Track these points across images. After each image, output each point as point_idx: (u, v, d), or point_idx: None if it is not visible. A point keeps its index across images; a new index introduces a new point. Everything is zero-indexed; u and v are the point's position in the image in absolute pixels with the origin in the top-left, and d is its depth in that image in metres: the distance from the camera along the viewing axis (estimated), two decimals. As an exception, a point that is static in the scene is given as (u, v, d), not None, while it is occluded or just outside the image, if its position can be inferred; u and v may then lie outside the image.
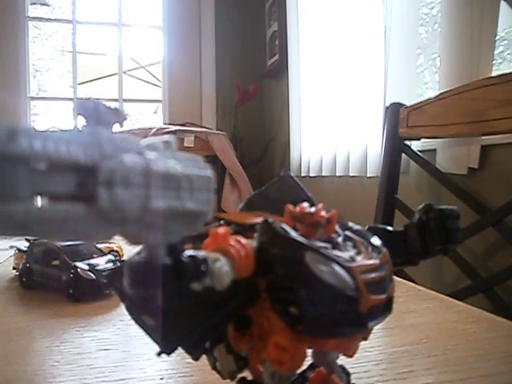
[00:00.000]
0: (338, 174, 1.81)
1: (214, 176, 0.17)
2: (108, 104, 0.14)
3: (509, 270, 0.87)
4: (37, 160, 0.11)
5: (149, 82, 3.83)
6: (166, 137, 0.16)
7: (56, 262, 0.61)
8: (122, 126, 0.15)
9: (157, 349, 0.21)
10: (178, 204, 0.15)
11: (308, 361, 0.24)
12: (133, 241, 0.15)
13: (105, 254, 0.64)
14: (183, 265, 0.17)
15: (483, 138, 1.08)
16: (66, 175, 0.12)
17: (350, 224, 0.25)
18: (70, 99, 3.04)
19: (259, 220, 0.22)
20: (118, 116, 0.14)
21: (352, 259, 0.22)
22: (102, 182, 0.13)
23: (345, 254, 0.22)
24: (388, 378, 0.36)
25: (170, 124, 2.71)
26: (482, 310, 0.53)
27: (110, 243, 0.70)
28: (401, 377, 0.36)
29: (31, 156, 0.11)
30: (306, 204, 0.24)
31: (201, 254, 0.19)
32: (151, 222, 0.14)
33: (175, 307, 0.19)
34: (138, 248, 0.18)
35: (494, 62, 1.09)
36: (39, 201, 0.12)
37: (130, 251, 0.18)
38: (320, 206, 0.23)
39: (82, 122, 0.13)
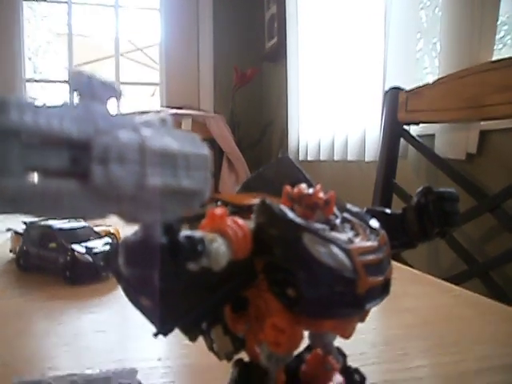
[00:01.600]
0: (336, 159, 1.81)
1: (210, 154, 0.17)
2: (103, 78, 0.14)
3: (505, 255, 0.88)
4: (28, 134, 0.11)
5: (146, 65, 3.79)
6: (162, 114, 0.15)
7: (53, 245, 0.61)
8: (118, 102, 0.14)
9: (153, 330, 0.21)
10: (175, 182, 0.15)
11: (305, 342, 0.24)
12: (128, 219, 0.15)
13: (102, 237, 0.64)
14: (180, 245, 0.17)
15: (482, 123, 1.07)
16: (59, 150, 0.12)
17: (348, 206, 0.25)
18: (66, 81, 3.01)
19: (257, 201, 0.22)
20: (113, 91, 0.14)
21: (350, 241, 0.22)
22: (95, 158, 0.12)
23: (343, 236, 0.22)
24: (384, 360, 0.37)
25: (167, 107, 2.69)
26: (477, 295, 0.53)
27: (107, 226, 0.70)
28: (397, 359, 0.37)
29: (22, 130, 0.11)
30: (304, 185, 0.23)
31: (198, 234, 0.18)
32: (147, 199, 0.14)
33: (172, 288, 0.19)
34: (134, 229, 0.17)
35: (494, 47, 1.08)
36: (31, 176, 0.11)
37: (127, 234, 0.18)
38: (318, 187, 0.23)
39: (75, 96, 0.13)
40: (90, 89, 0.13)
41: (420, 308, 0.49)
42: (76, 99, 0.13)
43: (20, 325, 0.44)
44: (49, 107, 0.12)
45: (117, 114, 0.14)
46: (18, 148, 0.11)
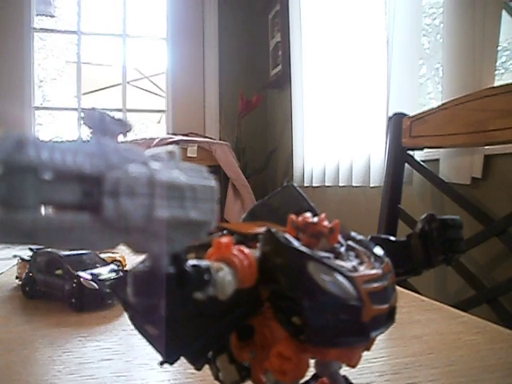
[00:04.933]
0: (340, 184, 1.81)
1: (217, 186, 0.18)
2: (113, 114, 0.14)
3: (513, 281, 0.87)
4: (44, 170, 0.11)
5: (152, 93, 3.85)
6: (171, 147, 0.16)
7: (59, 272, 0.61)
8: (126, 136, 0.15)
9: (159, 358, 0.21)
10: (182, 213, 0.15)
11: (311, 371, 0.24)
12: (137, 250, 0.15)
13: (108, 264, 0.64)
14: (186, 274, 0.17)
15: (486, 147, 1.08)
16: (72, 185, 0.12)
17: (353, 234, 0.25)
18: (75, 109, 3.06)
19: (262, 230, 0.22)
20: (124, 126, 0.14)
21: (354, 269, 0.22)
22: (107, 192, 0.13)
23: (347, 264, 0.22)
24: (391, 389, 0.36)
25: (173, 134, 2.72)
26: (486, 321, 0.52)
27: (112, 253, 0.70)
28: (404, 388, 0.36)
29: (39, 166, 0.11)
30: (308, 214, 0.24)
31: (204, 263, 0.19)
32: (155, 231, 0.14)
33: (178, 316, 0.19)
34: (141, 257, 0.18)
35: (496, 72, 1.09)
36: (46, 210, 0.12)
37: (132, 261, 0.18)
38: (323, 215, 0.24)
39: (87, 132, 0.14)
40: (102, 125, 0.14)
41: (428, 335, 0.48)
42: (88, 135, 0.14)
43: (25, 352, 0.44)
44: (63, 143, 0.12)
45: (127, 148, 0.14)
46: (34, 183, 0.11)
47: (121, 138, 0.15)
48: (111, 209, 0.13)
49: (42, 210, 0.12)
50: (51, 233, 0.12)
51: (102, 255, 0.67)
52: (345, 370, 0.25)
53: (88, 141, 0.13)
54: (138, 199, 0.13)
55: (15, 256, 0.71)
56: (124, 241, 0.14)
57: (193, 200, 0.16)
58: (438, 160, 1.23)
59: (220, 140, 2.71)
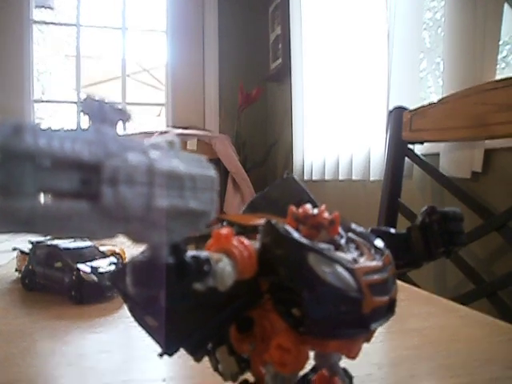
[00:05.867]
0: (340, 178, 1.81)
1: (217, 176, 0.17)
2: (112, 103, 0.14)
3: (512, 275, 0.87)
4: (42, 157, 0.11)
5: (152, 86, 3.84)
6: (170, 137, 0.16)
7: (59, 264, 0.61)
8: (125, 125, 0.15)
9: (159, 350, 0.21)
10: (181, 203, 0.15)
11: (310, 363, 0.24)
12: (136, 240, 0.15)
13: (107, 257, 0.64)
14: (186, 265, 0.17)
15: (486, 141, 1.07)
16: (71, 172, 0.12)
17: (353, 226, 0.25)
18: (74, 102, 3.05)
19: (262, 221, 0.22)
20: (123, 115, 0.14)
21: (355, 261, 0.22)
22: (105, 180, 0.13)
23: (347, 256, 0.22)
24: (390, 382, 0.36)
25: (173, 127, 2.71)
26: (485, 315, 0.52)
27: (112, 246, 0.70)
28: (403, 381, 0.36)
29: (36, 153, 0.11)
30: (308, 205, 0.24)
31: (204, 254, 0.19)
32: (154, 220, 0.14)
33: (178, 307, 0.19)
34: (140, 248, 0.18)
35: (497, 67, 1.09)
36: (44, 198, 0.12)
37: (132, 254, 0.18)
38: (323, 207, 0.23)
39: (86, 120, 0.13)
40: (100, 113, 0.13)
41: (427, 328, 0.48)
42: (87, 123, 0.13)
43: (24, 344, 0.44)
44: (61, 131, 0.12)
45: (126, 137, 0.14)
46: (31, 170, 0.11)
47: (120, 126, 0.14)
48: (110, 197, 0.13)
49: (41, 198, 0.12)
50: (49, 221, 0.12)
51: (102, 248, 0.67)
52: (344, 362, 0.25)
53: (87, 129, 0.13)
54: (137, 188, 0.13)
55: (15, 249, 0.71)
56: (123, 230, 0.14)
57: (192, 190, 0.16)
58: (438, 154, 1.22)
59: (220, 133, 2.71)
